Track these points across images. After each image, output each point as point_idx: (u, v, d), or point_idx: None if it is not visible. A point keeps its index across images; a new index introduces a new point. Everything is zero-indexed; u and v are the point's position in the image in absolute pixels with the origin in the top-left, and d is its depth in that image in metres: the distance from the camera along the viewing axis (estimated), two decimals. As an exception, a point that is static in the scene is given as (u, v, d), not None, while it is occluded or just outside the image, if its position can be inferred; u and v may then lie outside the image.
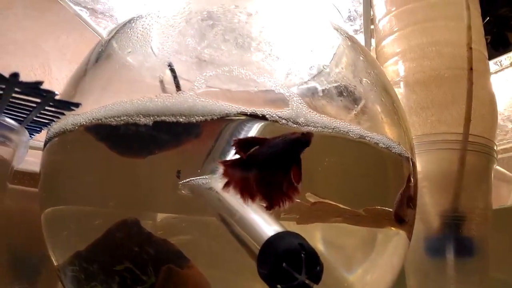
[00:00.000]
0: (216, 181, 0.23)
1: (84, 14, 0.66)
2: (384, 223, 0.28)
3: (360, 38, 0.64)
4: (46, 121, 0.30)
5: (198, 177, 0.23)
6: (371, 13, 0.57)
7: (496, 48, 0.68)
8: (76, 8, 0.65)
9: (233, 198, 0.22)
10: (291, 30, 0.31)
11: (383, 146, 0.27)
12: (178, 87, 0.27)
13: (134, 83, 0.28)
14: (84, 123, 0.26)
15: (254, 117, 0.23)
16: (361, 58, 0.33)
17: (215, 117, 0.23)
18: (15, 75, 0.23)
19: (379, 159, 0.28)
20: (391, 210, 0.28)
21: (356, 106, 0.29)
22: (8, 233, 0.38)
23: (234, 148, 0.22)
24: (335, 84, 0.29)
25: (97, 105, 0.25)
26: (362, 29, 0.63)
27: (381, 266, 0.28)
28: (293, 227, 0.24)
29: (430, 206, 0.41)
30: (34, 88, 0.25)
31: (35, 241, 0.36)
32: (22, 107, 0.27)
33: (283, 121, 0.24)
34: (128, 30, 0.30)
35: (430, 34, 0.45)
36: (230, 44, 0.28)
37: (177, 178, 0.23)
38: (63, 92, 0.31)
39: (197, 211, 0.24)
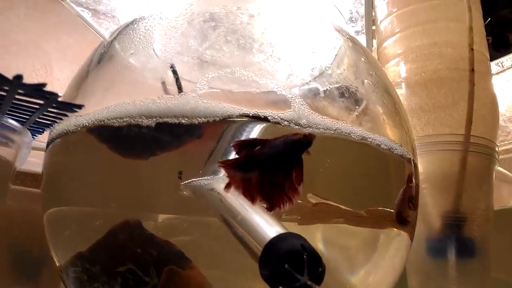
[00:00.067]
0: (218, 182, 0.23)
1: (86, 15, 0.66)
2: (386, 224, 0.28)
3: (362, 39, 0.64)
4: (49, 122, 0.30)
5: (199, 178, 0.23)
6: (373, 14, 0.57)
7: (497, 49, 0.68)
8: (78, 9, 0.65)
9: (234, 199, 0.22)
10: (293, 32, 0.31)
11: (385, 147, 0.27)
12: (180, 88, 0.27)
13: (136, 84, 0.28)
14: (87, 124, 0.26)
15: (256, 118, 0.24)
16: (362, 59, 0.33)
17: (217, 119, 0.23)
18: (18, 77, 0.23)
19: (381, 160, 0.28)
20: (392, 211, 0.28)
21: (357, 107, 0.29)
22: (10, 233, 0.38)
23: (234, 149, 0.22)
24: (337, 85, 0.29)
25: (99, 107, 0.25)
26: (364, 30, 0.63)
27: (383, 267, 0.28)
28: (294, 228, 0.24)
29: (431, 207, 0.41)
30: (38, 90, 0.25)
31: (37, 241, 0.36)
32: (25, 108, 0.27)
33: (285, 122, 0.24)
34: (131, 31, 0.30)
35: (431, 35, 0.45)
36: (232, 46, 0.28)
37: (179, 179, 0.23)
38: (66, 93, 0.31)
39: (198, 212, 0.24)
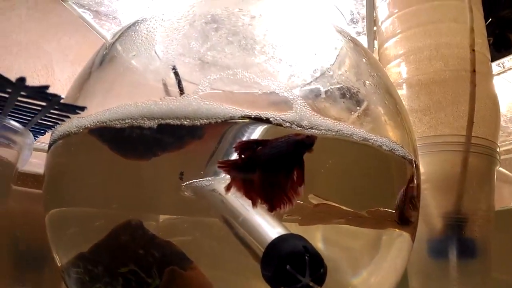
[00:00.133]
0: (219, 183, 0.23)
1: (87, 16, 0.66)
2: (387, 225, 0.28)
3: (363, 40, 0.64)
4: (51, 123, 0.30)
5: (201, 179, 0.23)
6: (374, 15, 0.57)
7: (498, 50, 0.68)
8: (80, 10, 0.65)
9: (236, 200, 0.22)
10: (294, 33, 0.31)
11: (387, 148, 0.27)
12: (181, 90, 0.27)
13: (138, 86, 0.28)
14: (89, 125, 0.26)
15: (258, 120, 0.24)
16: (364, 60, 0.33)
17: (219, 120, 0.23)
18: (21, 80, 0.23)
19: (382, 161, 0.28)
20: (394, 211, 0.28)
21: (359, 108, 0.29)
22: (11, 234, 0.38)
23: (236, 150, 0.22)
24: (338, 86, 0.29)
25: (101, 108, 0.26)
26: (365, 31, 0.63)
27: (384, 267, 0.28)
28: (295, 228, 0.24)
29: (432, 207, 0.41)
30: (40, 92, 0.25)
31: (38, 242, 0.36)
32: (27, 110, 0.28)
33: (287, 124, 0.24)
34: (133, 33, 0.30)
35: (432, 36, 0.45)
36: (234, 47, 0.28)
37: (180, 180, 0.23)
38: (68, 94, 0.31)
39: (200, 212, 0.24)
